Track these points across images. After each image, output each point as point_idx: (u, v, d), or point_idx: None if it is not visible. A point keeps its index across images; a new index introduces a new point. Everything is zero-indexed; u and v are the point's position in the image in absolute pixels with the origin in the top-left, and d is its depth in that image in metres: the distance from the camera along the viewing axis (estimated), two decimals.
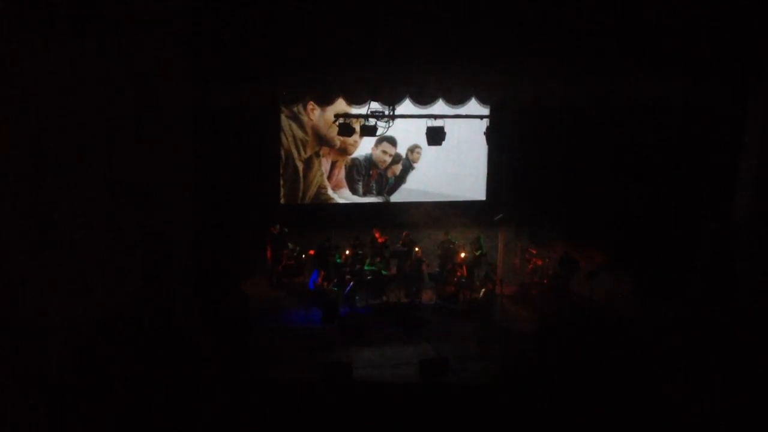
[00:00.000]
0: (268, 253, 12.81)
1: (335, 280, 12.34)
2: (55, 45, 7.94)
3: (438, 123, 12.05)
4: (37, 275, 7.74)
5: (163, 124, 10.10)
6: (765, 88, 11.43)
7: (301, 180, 14.31)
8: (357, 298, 12.17)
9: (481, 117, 12.67)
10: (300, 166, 14.27)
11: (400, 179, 14.61)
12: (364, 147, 14.26)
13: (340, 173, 14.48)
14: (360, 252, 12.61)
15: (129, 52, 9.33)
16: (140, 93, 9.72)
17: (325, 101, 12.17)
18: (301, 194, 14.37)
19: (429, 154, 13.17)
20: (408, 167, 14.56)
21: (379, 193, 14.60)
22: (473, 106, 12.30)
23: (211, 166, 11.50)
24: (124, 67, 9.30)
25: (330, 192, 14.49)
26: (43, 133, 7.92)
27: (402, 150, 14.46)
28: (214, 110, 11.19)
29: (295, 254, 12.78)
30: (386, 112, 12.17)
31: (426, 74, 11.64)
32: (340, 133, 12.66)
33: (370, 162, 14.46)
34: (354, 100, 12.04)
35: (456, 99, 11.93)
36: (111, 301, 9.28)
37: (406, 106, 12.18)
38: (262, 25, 10.89)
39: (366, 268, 12.31)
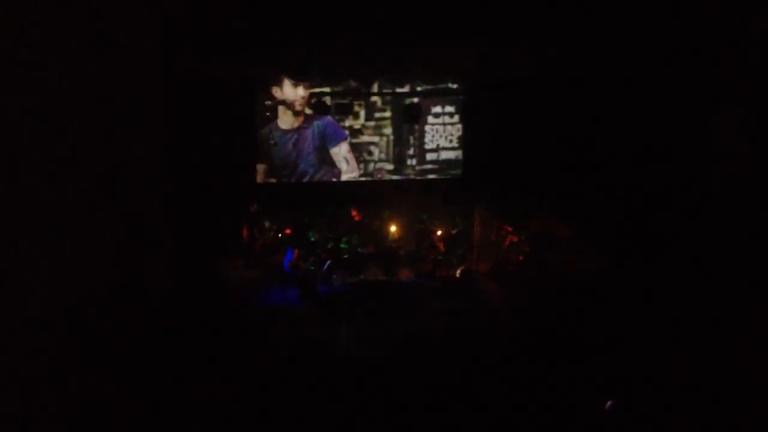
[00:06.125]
0: (244, 232, 12.70)
1: (312, 259, 12.30)
2: (17, 13, 7.71)
3: (414, 100, 11.98)
4: (6, 262, 7.60)
5: (134, 100, 9.86)
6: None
7: None
8: (334, 276, 12.15)
9: (457, 93, 12.59)
10: None
11: None
12: None
13: None
14: (336, 230, 12.57)
15: (98, 22, 9.06)
16: (109, 65, 9.44)
17: (302, 78, 11.95)
18: None
19: None
20: None
21: None
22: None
23: (184, 144, 11.31)
24: (94, 39, 9.03)
25: None
26: (7, 113, 7.73)
27: None
28: (188, 85, 10.92)
29: (271, 233, 12.69)
30: (362, 90, 12.06)
31: (402, 50, 11.55)
32: (315, 112, 12.53)
33: None
34: (329, 76, 11.88)
35: (432, 76, 11.85)
36: (82, 286, 9.15)
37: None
38: None
39: (342, 246, 12.29)
